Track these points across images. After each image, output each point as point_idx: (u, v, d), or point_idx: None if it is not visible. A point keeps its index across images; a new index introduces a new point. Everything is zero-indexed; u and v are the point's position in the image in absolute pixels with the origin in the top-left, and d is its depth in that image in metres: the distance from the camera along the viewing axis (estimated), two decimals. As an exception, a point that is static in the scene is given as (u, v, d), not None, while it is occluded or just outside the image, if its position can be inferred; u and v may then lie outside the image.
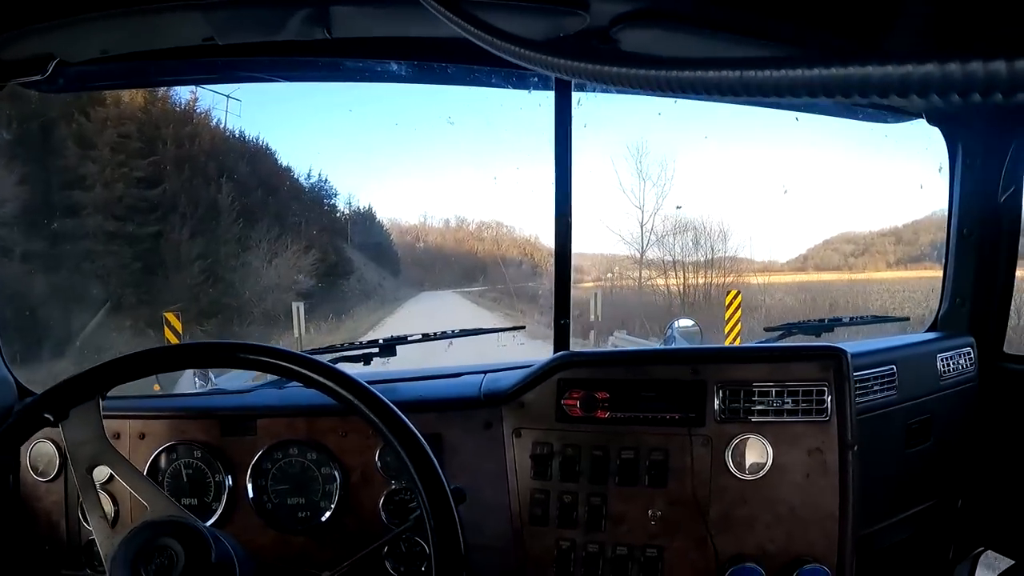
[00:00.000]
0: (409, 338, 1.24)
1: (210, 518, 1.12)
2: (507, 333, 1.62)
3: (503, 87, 1.24)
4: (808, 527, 1.08)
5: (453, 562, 0.77)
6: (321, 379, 0.82)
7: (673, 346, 1.53)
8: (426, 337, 1.26)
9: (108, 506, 1.18)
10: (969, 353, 1.45)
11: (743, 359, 1.11)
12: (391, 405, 0.80)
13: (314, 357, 0.85)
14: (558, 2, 1.14)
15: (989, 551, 1.51)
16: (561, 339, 1.25)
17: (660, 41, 1.21)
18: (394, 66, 1.18)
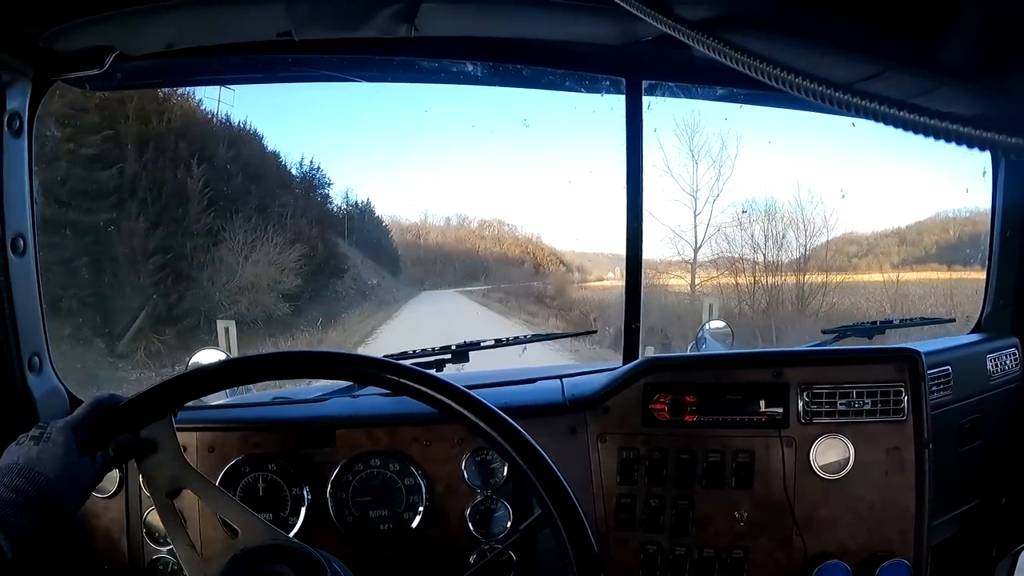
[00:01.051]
0: (482, 344, 1.23)
1: (288, 533, 1.08)
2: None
3: (576, 90, 1.25)
4: (886, 524, 1.12)
5: (590, 560, 0.77)
6: (425, 389, 0.80)
7: (712, 350, 1.54)
8: (499, 343, 1.26)
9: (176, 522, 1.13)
10: (1014, 353, 1.51)
11: (822, 361, 1.14)
12: (499, 412, 0.79)
13: (408, 365, 0.83)
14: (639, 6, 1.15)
15: (1030, 549, 1.57)
16: (631, 344, 1.25)
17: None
18: (469, 66, 1.18)
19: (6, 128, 1.09)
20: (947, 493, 1.46)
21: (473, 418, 0.80)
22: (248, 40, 1.10)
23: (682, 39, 0.64)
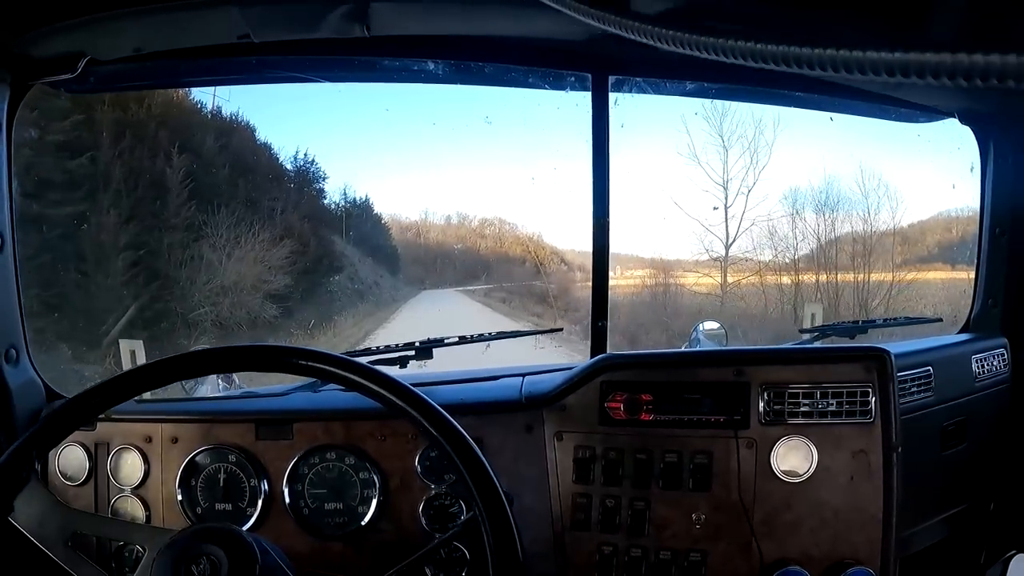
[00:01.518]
0: (445, 341, 1.24)
1: (245, 524, 1.12)
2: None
3: (540, 87, 1.24)
4: (852, 530, 1.10)
5: (512, 565, 0.77)
6: (368, 383, 0.83)
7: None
8: (463, 340, 1.26)
9: (139, 511, 1.17)
10: (1003, 354, 1.47)
11: (786, 360, 1.12)
12: (440, 409, 0.80)
13: (358, 360, 0.84)
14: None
15: (1021, 554, 1.52)
16: (599, 342, 1.25)
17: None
18: (431, 65, 1.19)
19: None
20: (930, 497, 1.43)
21: (411, 411, 0.81)
22: (211, 43, 1.13)
23: (622, 33, 0.64)
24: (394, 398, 0.83)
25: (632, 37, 0.61)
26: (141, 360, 1.28)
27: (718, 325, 1.60)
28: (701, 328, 1.60)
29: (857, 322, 1.47)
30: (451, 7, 1.08)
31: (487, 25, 1.14)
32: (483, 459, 0.82)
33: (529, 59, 1.22)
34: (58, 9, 1.06)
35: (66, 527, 0.87)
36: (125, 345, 1.23)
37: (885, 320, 1.53)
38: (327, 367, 0.84)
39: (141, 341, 1.23)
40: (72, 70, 1.17)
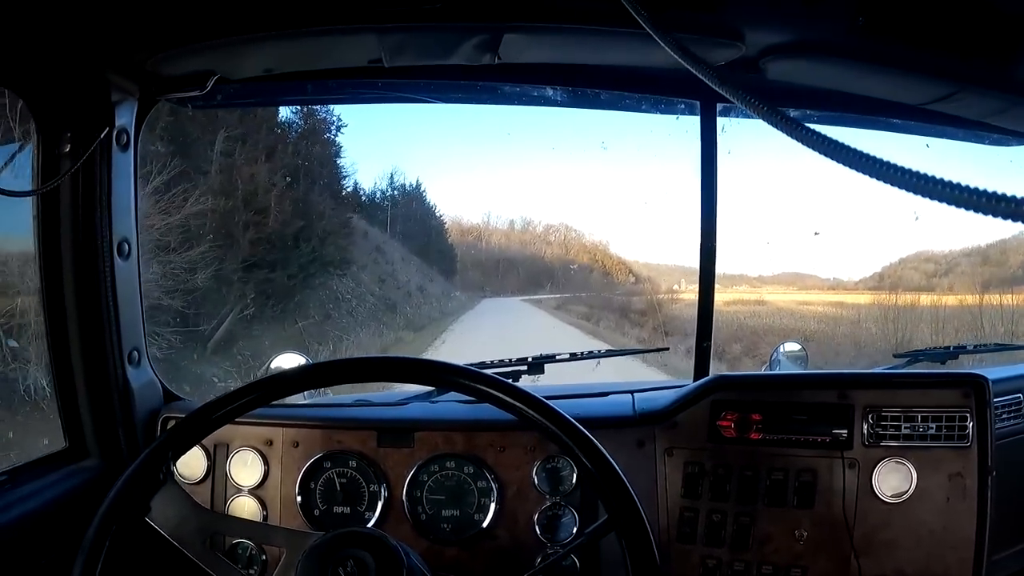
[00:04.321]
0: (557, 357, 1.32)
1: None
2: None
3: (652, 112, 1.32)
4: (945, 550, 1.19)
5: (650, 570, 0.84)
6: (508, 399, 0.90)
7: (787, 371, 1.59)
8: (573, 356, 1.34)
9: (256, 510, 1.24)
10: (1096, 383, 1.52)
11: (887, 385, 1.20)
12: (576, 423, 0.87)
13: (496, 376, 0.91)
14: (715, 32, 1.20)
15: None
16: (703, 362, 1.32)
17: (808, 73, 1.28)
18: (550, 91, 1.27)
19: (115, 144, 1.24)
20: (1020, 523, 1.48)
21: (550, 425, 0.89)
22: (341, 66, 1.20)
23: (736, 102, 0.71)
24: (532, 412, 0.90)
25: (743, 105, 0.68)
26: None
27: (799, 347, 1.68)
28: (782, 349, 1.67)
29: (948, 348, 1.54)
30: (575, 37, 1.16)
31: (605, 55, 1.23)
32: (616, 467, 0.89)
33: (642, 87, 1.30)
34: (194, 31, 1.14)
35: (204, 528, 0.95)
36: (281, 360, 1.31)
37: (975, 347, 1.60)
38: (469, 382, 0.91)
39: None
40: (201, 87, 1.25)
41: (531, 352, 1.39)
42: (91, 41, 1.12)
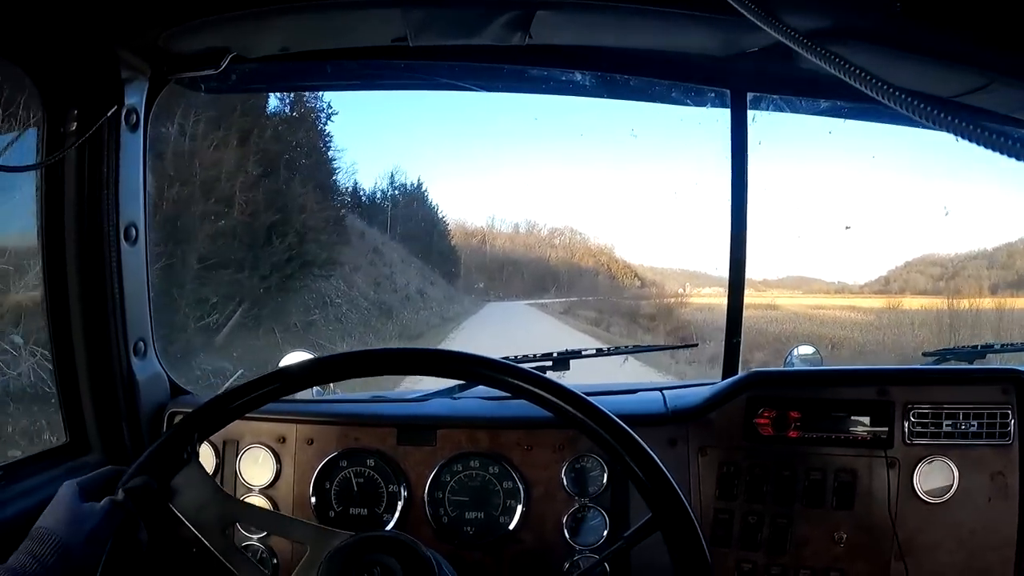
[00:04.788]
0: (583, 352, 1.27)
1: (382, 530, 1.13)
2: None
3: (682, 103, 1.29)
4: (987, 551, 1.18)
5: (703, 570, 0.79)
6: (547, 395, 0.84)
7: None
8: (600, 352, 1.29)
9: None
10: None
11: (927, 381, 1.17)
12: (617, 420, 0.82)
13: (536, 372, 0.86)
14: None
15: None
16: (731, 359, 1.28)
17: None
18: (578, 76, 1.24)
19: (123, 123, 1.19)
20: None
21: (588, 422, 0.84)
22: (363, 45, 1.16)
23: (792, 46, 0.68)
24: (570, 407, 0.85)
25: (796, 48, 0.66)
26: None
27: (813, 350, 1.64)
28: (796, 353, 1.63)
29: (976, 347, 1.50)
30: (609, 16, 1.12)
31: (637, 38, 1.20)
32: (662, 465, 0.84)
33: (672, 73, 1.27)
34: (209, 4, 1.09)
35: (226, 516, 0.89)
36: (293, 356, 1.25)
37: (1003, 346, 1.57)
38: (507, 377, 0.86)
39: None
40: (215, 66, 1.20)
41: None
42: (100, 14, 1.07)
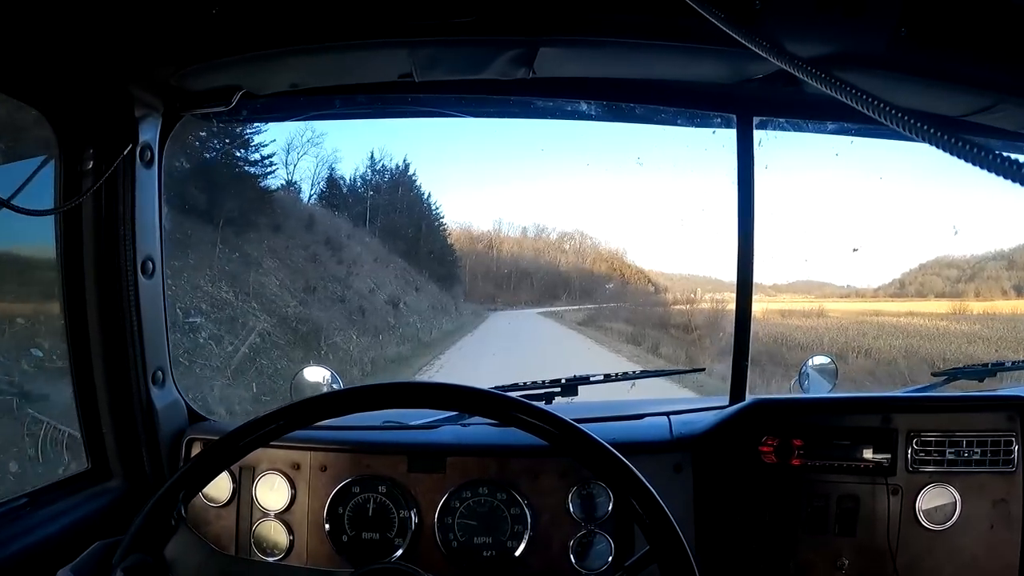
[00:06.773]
0: (591, 378, 1.30)
1: (393, 554, 1.18)
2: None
3: (688, 126, 1.30)
4: None
5: None
6: (540, 423, 0.86)
7: (816, 387, 1.56)
8: (608, 378, 1.31)
9: (283, 535, 1.23)
10: None
11: (931, 408, 1.17)
12: (612, 450, 0.84)
13: (530, 402, 0.88)
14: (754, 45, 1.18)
15: None
16: (739, 383, 1.29)
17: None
18: (584, 105, 1.25)
19: (138, 160, 1.23)
20: None
21: (585, 454, 0.84)
22: (371, 81, 1.18)
23: (799, 75, 0.70)
24: (565, 438, 0.87)
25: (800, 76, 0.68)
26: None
27: (829, 360, 1.65)
28: (811, 363, 1.64)
29: (987, 365, 1.50)
30: (612, 51, 1.14)
31: (642, 68, 1.21)
32: (655, 495, 0.86)
33: (678, 100, 1.28)
34: (220, 46, 1.12)
35: (224, 574, 0.89)
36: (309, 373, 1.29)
37: (1014, 363, 1.56)
38: (498, 408, 0.86)
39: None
40: (226, 103, 1.23)
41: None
42: (114, 55, 1.10)
